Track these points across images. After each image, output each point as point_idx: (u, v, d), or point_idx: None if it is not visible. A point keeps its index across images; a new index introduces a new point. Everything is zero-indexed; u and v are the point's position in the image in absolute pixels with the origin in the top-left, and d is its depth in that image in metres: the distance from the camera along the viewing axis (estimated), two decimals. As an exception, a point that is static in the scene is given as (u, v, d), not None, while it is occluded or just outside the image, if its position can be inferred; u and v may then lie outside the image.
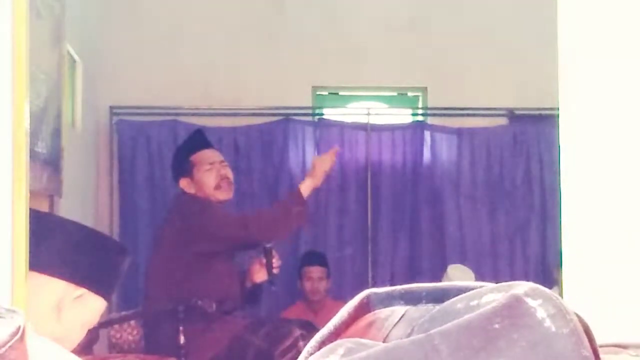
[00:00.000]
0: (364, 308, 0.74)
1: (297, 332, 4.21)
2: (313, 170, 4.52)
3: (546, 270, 6.31)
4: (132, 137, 6.33)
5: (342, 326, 0.73)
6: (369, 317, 0.74)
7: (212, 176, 4.51)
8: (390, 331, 0.72)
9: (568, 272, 1.83)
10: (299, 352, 4.35)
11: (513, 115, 6.53)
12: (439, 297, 0.71)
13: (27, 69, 1.78)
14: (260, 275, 4.51)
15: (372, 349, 0.67)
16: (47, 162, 4.64)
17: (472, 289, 0.70)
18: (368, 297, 0.75)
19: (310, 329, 4.37)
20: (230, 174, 4.61)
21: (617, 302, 1.79)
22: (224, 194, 4.54)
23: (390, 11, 6.49)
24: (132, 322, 4.50)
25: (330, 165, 4.58)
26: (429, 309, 0.71)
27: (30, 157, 1.82)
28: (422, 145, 6.52)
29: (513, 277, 6.41)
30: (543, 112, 6.11)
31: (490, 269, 6.39)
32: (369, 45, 6.46)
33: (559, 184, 1.85)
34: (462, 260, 6.20)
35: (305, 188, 4.45)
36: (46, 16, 4.55)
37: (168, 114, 6.34)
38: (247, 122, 6.40)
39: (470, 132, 6.48)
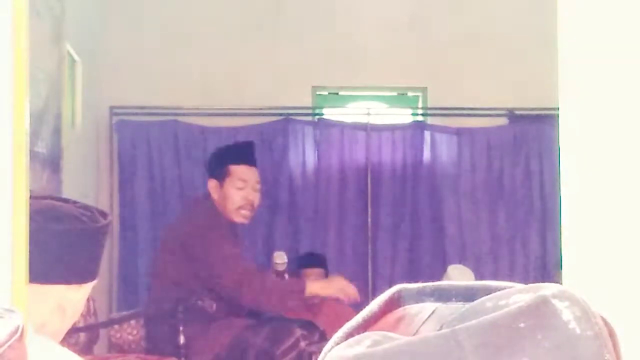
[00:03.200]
0: (394, 303, 0.75)
1: (298, 332, 4.21)
2: (330, 282, 4.43)
3: (546, 271, 6.31)
4: (132, 137, 6.33)
5: (371, 319, 0.74)
6: (398, 312, 0.75)
7: (239, 196, 4.46)
8: (419, 327, 0.73)
9: (568, 272, 1.83)
10: (300, 352, 4.37)
11: (513, 115, 6.53)
12: (469, 295, 0.72)
13: (27, 69, 1.78)
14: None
15: (397, 341, 0.68)
16: (47, 162, 4.64)
17: (502, 288, 0.71)
18: (399, 292, 0.75)
19: (311, 329, 4.37)
20: (257, 200, 4.56)
21: (617, 302, 1.79)
22: (242, 218, 4.51)
23: (390, 11, 6.49)
24: (132, 322, 4.50)
25: (343, 294, 4.41)
26: (459, 307, 0.72)
27: (30, 157, 1.82)
28: (422, 145, 6.52)
29: (513, 278, 6.42)
30: (543, 112, 6.11)
31: (490, 269, 6.39)
32: (369, 45, 6.46)
33: (559, 184, 1.85)
34: (462, 260, 6.20)
35: (311, 290, 4.36)
36: (46, 16, 4.55)
37: (168, 114, 6.33)
38: (247, 122, 6.40)
39: (470, 132, 6.48)
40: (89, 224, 1.83)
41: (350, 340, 0.70)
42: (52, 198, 1.94)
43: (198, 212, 4.52)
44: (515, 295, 0.68)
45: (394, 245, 6.43)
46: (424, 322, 0.73)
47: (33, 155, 3.67)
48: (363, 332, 0.72)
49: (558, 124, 1.87)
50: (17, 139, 1.74)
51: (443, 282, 0.75)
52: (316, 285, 4.38)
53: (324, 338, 4.37)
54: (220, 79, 6.39)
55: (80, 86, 5.77)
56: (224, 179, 4.47)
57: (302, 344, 4.17)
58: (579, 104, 1.84)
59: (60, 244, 1.77)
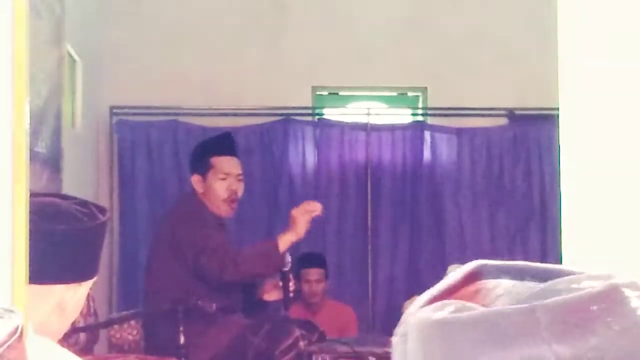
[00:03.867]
0: (473, 277, 0.83)
1: (297, 332, 4.20)
2: (293, 224, 4.32)
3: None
4: (132, 137, 6.33)
5: (452, 289, 0.82)
6: (477, 284, 0.82)
7: (223, 187, 4.48)
8: (495, 301, 0.80)
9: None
10: (299, 352, 4.37)
11: (513, 115, 6.53)
12: (543, 276, 0.79)
13: (27, 69, 1.78)
14: (272, 295, 4.51)
15: (478, 310, 0.76)
16: (47, 162, 4.63)
17: (574, 274, 0.77)
18: (479, 267, 0.82)
19: (310, 328, 4.37)
20: (241, 190, 4.58)
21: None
22: (226, 211, 4.53)
23: (390, 11, 6.49)
24: (132, 322, 4.50)
25: (309, 216, 4.35)
26: (533, 286, 0.79)
27: (30, 157, 1.82)
28: (422, 145, 6.51)
29: (513, 277, 6.42)
30: (543, 112, 6.11)
31: (490, 269, 6.38)
32: (369, 45, 6.46)
33: (559, 184, 1.85)
34: (462, 260, 6.16)
35: (284, 242, 4.31)
36: (46, 16, 4.55)
37: (168, 114, 6.33)
38: (247, 122, 6.40)
39: (470, 132, 6.48)
40: (87, 223, 1.82)
41: (435, 305, 0.79)
42: (49, 195, 1.93)
43: (184, 207, 4.56)
44: (586, 280, 0.74)
45: (394, 245, 6.42)
46: (499, 297, 0.80)
47: (33, 155, 3.67)
48: (444, 299, 0.81)
49: (558, 124, 1.87)
50: (17, 139, 1.74)
51: (520, 262, 0.82)
52: (286, 238, 4.32)
53: (323, 338, 4.37)
54: (220, 79, 6.39)
55: (80, 86, 5.77)
56: (207, 172, 4.50)
57: (301, 343, 4.17)
58: (579, 104, 1.84)
59: (58, 243, 1.76)
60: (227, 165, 4.55)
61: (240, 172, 4.60)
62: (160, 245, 4.49)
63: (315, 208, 4.41)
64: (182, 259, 4.32)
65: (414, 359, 0.78)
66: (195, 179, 4.53)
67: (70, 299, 1.80)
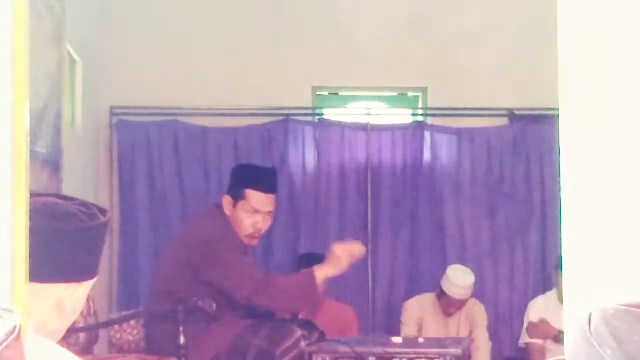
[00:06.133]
0: None
1: (298, 332, 4.20)
2: (334, 260, 4.26)
3: (546, 272, 6.30)
4: (132, 137, 6.33)
5: None
6: None
7: (249, 222, 4.40)
8: None
9: (568, 272, 1.83)
10: (299, 352, 4.36)
11: (513, 115, 6.53)
12: None
13: (27, 69, 1.78)
14: (283, 313, 4.52)
15: None
16: (47, 162, 4.64)
17: None
18: None
19: (310, 329, 4.37)
20: (267, 225, 4.51)
21: (617, 302, 1.79)
22: (249, 242, 4.50)
23: (390, 11, 6.49)
24: (132, 322, 4.50)
25: (351, 259, 4.28)
26: None
27: (30, 157, 1.82)
28: (422, 145, 6.51)
29: (513, 278, 6.42)
30: (543, 112, 6.11)
31: (490, 269, 6.39)
32: (369, 45, 6.46)
33: (559, 184, 1.85)
34: (462, 261, 6.20)
35: (321, 274, 4.25)
36: (46, 16, 4.55)
37: (168, 114, 6.33)
38: (247, 122, 6.40)
39: (470, 132, 6.48)
40: (88, 222, 1.82)
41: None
42: (50, 195, 1.93)
43: (211, 222, 4.45)
44: None
45: (394, 245, 6.42)
46: None
47: (33, 155, 3.67)
48: None
49: (558, 124, 1.87)
50: (17, 139, 1.74)
51: None
52: (324, 270, 4.27)
53: (323, 338, 4.37)
54: (220, 79, 6.39)
55: (80, 86, 5.77)
56: (238, 200, 4.42)
57: (302, 344, 4.17)
58: (579, 104, 1.84)
59: (58, 242, 1.76)
60: (261, 202, 4.44)
61: (272, 209, 4.51)
62: (177, 250, 4.42)
63: (359, 251, 4.35)
64: (199, 272, 4.25)
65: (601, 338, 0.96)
66: (226, 200, 4.45)
67: (70, 298, 1.80)
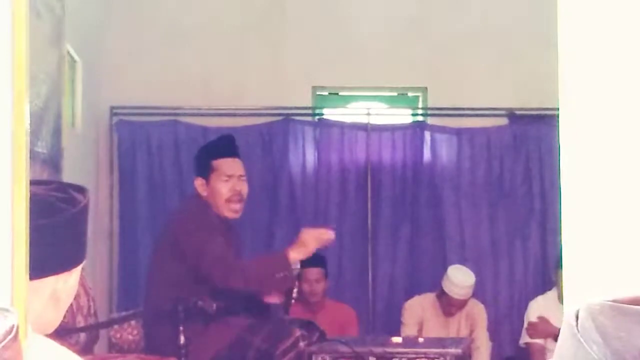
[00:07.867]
0: None
1: (298, 332, 4.20)
2: (302, 244, 4.33)
3: (546, 272, 6.30)
4: (132, 137, 6.33)
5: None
6: None
7: (226, 188, 4.49)
8: None
9: (568, 272, 1.83)
10: (299, 353, 4.36)
11: (513, 115, 6.53)
12: None
13: (27, 69, 1.78)
14: (273, 298, 4.51)
15: None
16: (47, 162, 4.64)
17: None
18: None
19: (310, 329, 4.37)
20: (245, 190, 4.58)
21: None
22: (233, 213, 4.52)
23: (390, 11, 6.49)
24: (132, 322, 4.50)
25: (319, 243, 4.38)
26: None
27: (30, 157, 1.82)
28: (422, 145, 6.51)
29: (513, 278, 6.42)
30: (543, 112, 6.11)
31: (490, 270, 6.39)
32: (369, 45, 6.46)
33: (559, 184, 1.85)
34: (462, 261, 6.20)
35: (294, 255, 4.32)
36: (46, 16, 4.55)
37: (168, 114, 6.33)
38: (247, 122, 6.40)
39: (470, 132, 6.48)
40: (68, 211, 1.80)
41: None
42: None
43: (188, 210, 4.57)
44: None
45: (394, 245, 6.42)
46: None
47: (33, 155, 3.67)
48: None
49: (558, 124, 1.87)
50: (17, 139, 1.74)
51: None
52: (295, 252, 4.33)
53: (323, 338, 4.37)
54: (220, 79, 6.39)
55: (80, 86, 5.77)
56: (210, 175, 4.51)
57: (302, 344, 4.17)
58: (579, 104, 1.84)
59: (41, 237, 1.75)
60: (229, 166, 4.54)
61: (242, 173, 4.60)
62: (163, 247, 4.48)
63: (327, 237, 4.43)
64: (185, 262, 4.32)
65: (587, 333, 0.99)
66: (198, 182, 4.54)
67: (63, 288, 1.80)
